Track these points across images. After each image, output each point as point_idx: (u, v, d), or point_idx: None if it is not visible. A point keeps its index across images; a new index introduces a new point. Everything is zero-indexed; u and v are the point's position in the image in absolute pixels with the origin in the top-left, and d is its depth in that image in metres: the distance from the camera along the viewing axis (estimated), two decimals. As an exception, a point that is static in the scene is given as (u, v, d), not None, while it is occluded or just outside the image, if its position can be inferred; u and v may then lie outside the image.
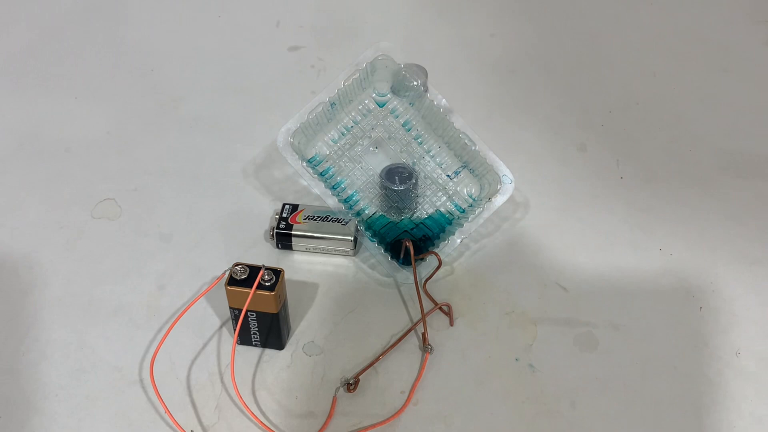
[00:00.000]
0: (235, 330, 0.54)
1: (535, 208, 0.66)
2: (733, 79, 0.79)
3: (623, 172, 0.70)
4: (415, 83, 0.58)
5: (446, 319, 0.59)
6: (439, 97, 0.59)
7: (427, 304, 0.59)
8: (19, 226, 0.65)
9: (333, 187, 0.60)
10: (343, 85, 0.59)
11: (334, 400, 0.54)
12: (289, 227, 0.62)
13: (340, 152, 0.61)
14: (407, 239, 0.59)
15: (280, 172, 0.66)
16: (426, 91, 0.59)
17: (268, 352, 0.57)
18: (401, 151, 0.61)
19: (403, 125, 0.61)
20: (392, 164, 0.61)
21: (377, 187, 0.61)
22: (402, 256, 0.60)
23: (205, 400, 0.54)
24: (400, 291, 0.60)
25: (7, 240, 0.64)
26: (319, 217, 0.62)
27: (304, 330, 0.58)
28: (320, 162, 0.61)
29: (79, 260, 0.62)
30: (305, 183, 0.61)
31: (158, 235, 0.64)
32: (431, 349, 0.56)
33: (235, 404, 0.53)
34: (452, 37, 0.84)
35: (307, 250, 0.62)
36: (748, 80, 0.79)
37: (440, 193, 0.61)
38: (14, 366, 0.56)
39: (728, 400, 0.55)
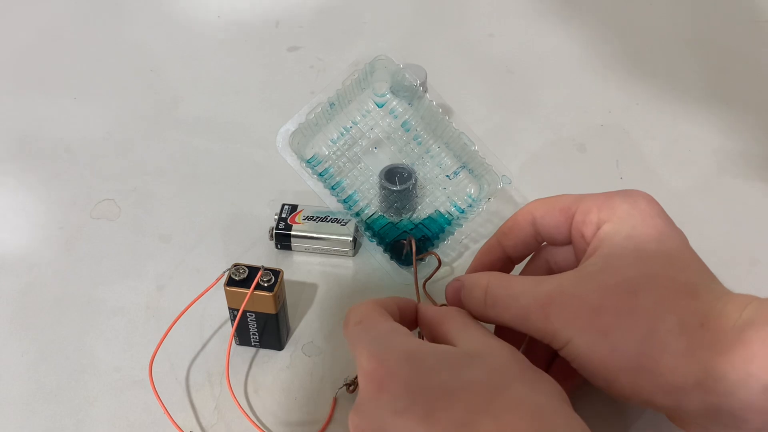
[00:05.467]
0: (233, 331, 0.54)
1: (534, 209, 0.66)
2: (733, 79, 0.79)
3: (623, 172, 0.70)
4: (414, 83, 0.58)
5: (445, 319, 0.58)
6: (438, 98, 0.59)
7: (427, 305, 0.58)
8: (19, 226, 0.65)
9: (332, 188, 0.60)
10: (342, 85, 0.59)
11: (334, 400, 0.54)
12: (288, 228, 0.61)
13: (339, 152, 0.61)
14: (410, 236, 0.59)
15: (279, 172, 0.66)
16: (425, 91, 0.59)
17: (267, 352, 0.57)
18: (400, 152, 0.61)
19: (402, 125, 0.61)
20: (391, 164, 0.61)
21: (376, 188, 0.61)
22: (403, 255, 0.60)
23: (204, 401, 0.54)
24: (399, 292, 0.60)
25: (7, 240, 0.64)
26: (318, 217, 0.62)
27: (303, 330, 0.58)
28: (319, 162, 0.61)
29: (79, 260, 0.62)
30: (305, 183, 0.61)
31: (157, 235, 0.64)
32: (430, 350, 0.56)
33: (234, 405, 0.53)
34: (451, 37, 0.84)
35: (307, 251, 0.62)
36: (748, 80, 0.79)
37: (439, 194, 0.61)
38: (13, 366, 0.56)
39: (728, 401, 0.54)
